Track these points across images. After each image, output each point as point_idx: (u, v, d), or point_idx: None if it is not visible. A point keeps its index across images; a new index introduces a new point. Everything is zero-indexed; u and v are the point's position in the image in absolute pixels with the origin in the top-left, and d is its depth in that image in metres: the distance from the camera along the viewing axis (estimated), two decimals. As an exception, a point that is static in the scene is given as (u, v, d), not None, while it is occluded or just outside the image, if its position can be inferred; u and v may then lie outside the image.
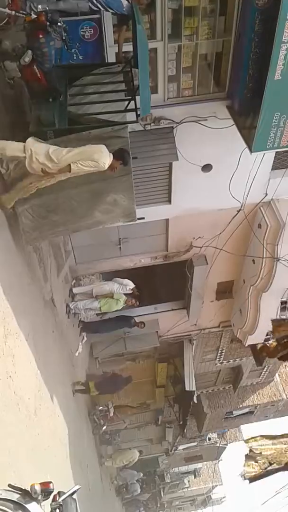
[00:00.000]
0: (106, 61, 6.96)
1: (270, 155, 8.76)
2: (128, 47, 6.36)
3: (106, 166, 5.57)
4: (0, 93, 5.94)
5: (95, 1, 5.68)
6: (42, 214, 6.09)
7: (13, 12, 5.17)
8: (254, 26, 6.42)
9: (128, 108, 6.17)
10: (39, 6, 5.18)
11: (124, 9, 5.78)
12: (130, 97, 6.18)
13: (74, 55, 6.81)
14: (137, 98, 5.94)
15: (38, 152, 5.28)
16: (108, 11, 5.86)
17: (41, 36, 5.16)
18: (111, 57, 6.93)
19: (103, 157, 5.55)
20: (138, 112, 6.00)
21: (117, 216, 6.57)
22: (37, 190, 5.78)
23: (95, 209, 6.32)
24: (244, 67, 6.89)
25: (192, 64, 7.56)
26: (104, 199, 6.26)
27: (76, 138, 5.72)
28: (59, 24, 5.26)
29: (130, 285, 10.68)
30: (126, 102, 6.22)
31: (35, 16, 5.12)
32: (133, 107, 6.05)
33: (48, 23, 5.13)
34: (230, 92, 7.74)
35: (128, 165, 5.99)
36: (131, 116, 6.21)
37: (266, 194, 9.65)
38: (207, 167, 8.92)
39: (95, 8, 5.79)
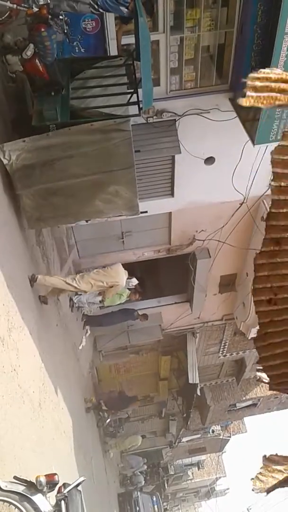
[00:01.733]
0: (108, 54, 6.93)
1: (273, 148, 8.72)
2: (130, 40, 6.34)
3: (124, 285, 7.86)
4: (2, 87, 5.94)
5: (95, 6, 5.70)
6: (43, 195, 6.11)
7: (15, 5, 5.15)
8: (257, 17, 6.38)
9: (130, 101, 6.16)
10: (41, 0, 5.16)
11: (124, 14, 5.80)
12: (132, 90, 6.16)
13: (76, 48, 6.78)
14: (140, 91, 5.92)
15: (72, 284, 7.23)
16: (109, 12, 5.92)
17: (42, 29, 5.13)
18: (113, 50, 6.90)
19: (122, 279, 7.80)
20: (141, 105, 5.99)
21: (119, 208, 6.56)
22: (41, 179, 5.91)
23: (96, 197, 6.32)
24: (247, 59, 6.85)
25: (195, 56, 7.52)
26: (105, 188, 6.26)
27: (78, 130, 5.72)
28: (60, 17, 5.24)
29: (133, 281, 10.67)
30: (129, 95, 6.21)
31: (37, 10, 5.09)
32: (136, 100, 6.03)
33: (49, 16, 5.11)
34: (233, 84, 7.70)
35: (131, 167, 6.12)
36: (133, 109, 6.20)
37: (269, 187, 9.61)
38: (209, 160, 8.90)
39: (96, 12, 5.83)
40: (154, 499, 19.80)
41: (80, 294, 10.62)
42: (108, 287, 7.62)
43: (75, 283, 7.26)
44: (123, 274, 7.80)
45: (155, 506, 19.40)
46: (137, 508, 18.37)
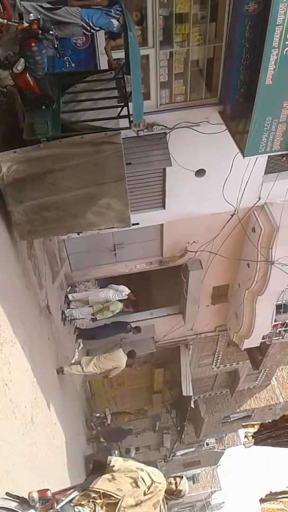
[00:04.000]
0: (99, 68, 7.01)
1: (262, 160, 8.82)
2: (120, 54, 6.41)
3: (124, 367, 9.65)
4: (-7, 101, 5.96)
5: (88, 27, 5.79)
6: (34, 210, 6.10)
7: (5, 20, 5.20)
8: (245, 32, 6.50)
9: (121, 114, 6.21)
10: (31, 15, 5.21)
11: (115, 28, 5.88)
12: (122, 104, 6.22)
13: (67, 62, 6.86)
14: (130, 104, 5.98)
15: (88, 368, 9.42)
16: (100, 30, 6.00)
17: (33, 44, 5.17)
18: (103, 64, 6.98)
19: (123, 362, 9.53)
20: (131, 119, 6.03)
21: (111, 220, 6.57)
22: (32, 194, 5.90)
23: (88, 210, 6.32)
24: (236, 73, 6.96)
25: (184, 70, 7.62)
26: (97, 201, 6.27)
27: (69, 142, 5.75)
28: (51, 32, 5.29)
29: (125, 291, 10.69)
30: (119, 109, 6.26)
31: (27, 25, 5.14)
32: (126, 113, 6.08)
33: (40, 31, 5.15)
34: (222, 98, 7.80)
35: (123, 180, 6.14)
36: (124, 123, 6.25)
37: (260, 198, 9.70)
38: (200, 172, 8.97)
39: (88, 33, 5.91)
40: None
41: (72, 308, 10.61)
42: (112, 368, 9.52)
43: (90, 368, 9.46)
44: (124, 358, 9.54)
45: None
46: None
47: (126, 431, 15.21)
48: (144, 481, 4.43)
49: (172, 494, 4.64)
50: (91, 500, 4.23)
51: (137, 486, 4.40)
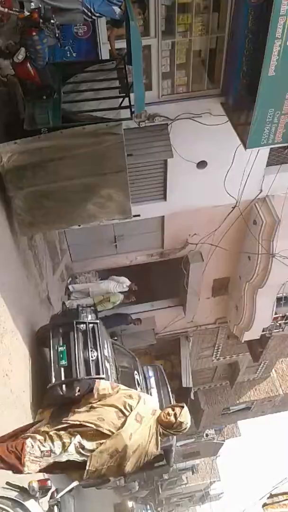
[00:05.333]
0: (100, 58, 6.95)
1: (264, 152, 8.77)
2: (121, 44, 6.36)
3: None
4: (-6, 91, 5.92)
5: (89, 13, 5.71)
6: (35, 198, 6.09)
7: (6, 9, 5.15)
8: (248, 23, 6.43)
9: (122, 105, 6.17)
10: (32, 4, 5.16)
11: (116, 16, 5.81)
12: (124, 94, 6.18)
13: (68, 52, 6.80)
14: (132, 95, 5.94)
15: None
16: (102, 17, 5.93)
17: (34, 33, 5.13)
18: (104, 54, 6.92)
19: None
20: (133, 109, 6.00)
21: (112, 212, 6.56)
22: (33, 180, 5.88)
23: (89, 201, 6.31)
24: (238, 64, 6.90)
25: (186, 60, 7.56)
26: (98, 192, 6.26)
27: (70, 133, 5.73)
28: (52, 21, 5.24)
29: (126, 282, 10.69)
30: (120, 99, 6.22)
31: (28, 14, 5.09)
32: (128, 104, 6.05)
33: (41, 21, 5.11)
34: (224, 89, 7.74)
35: (124, 171, 6.11)
36: (125, 113, 6.21)
37: (261, 191, 9.67)
38: (202, 164, 8.93)
39: (89, 19, 5.84)
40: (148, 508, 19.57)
41: (73, 299, 10.61)
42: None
43: None
44: None
45: None
46: None
47: None
48: (130, 409, 3.76)
49: (171, 428, 3.69)
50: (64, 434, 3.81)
51: (123, 415, 3.74)
